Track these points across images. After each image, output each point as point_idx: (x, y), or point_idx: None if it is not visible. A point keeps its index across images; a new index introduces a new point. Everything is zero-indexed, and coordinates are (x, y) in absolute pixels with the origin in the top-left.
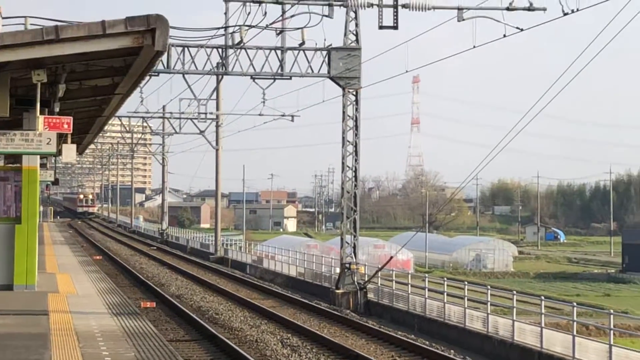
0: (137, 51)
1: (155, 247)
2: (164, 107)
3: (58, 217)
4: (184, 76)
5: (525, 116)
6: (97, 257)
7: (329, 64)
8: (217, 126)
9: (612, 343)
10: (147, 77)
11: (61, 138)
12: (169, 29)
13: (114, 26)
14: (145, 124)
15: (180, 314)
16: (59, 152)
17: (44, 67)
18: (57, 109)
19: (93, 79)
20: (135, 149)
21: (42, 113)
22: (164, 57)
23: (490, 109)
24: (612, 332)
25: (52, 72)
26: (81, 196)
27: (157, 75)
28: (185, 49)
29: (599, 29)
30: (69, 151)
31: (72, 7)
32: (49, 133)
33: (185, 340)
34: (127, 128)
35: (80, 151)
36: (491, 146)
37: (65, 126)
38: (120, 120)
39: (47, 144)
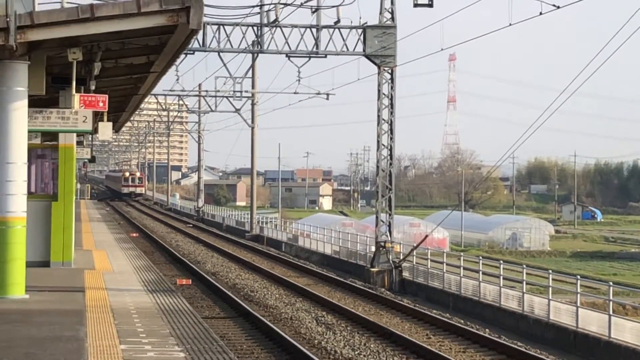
0: (172, 29)
1: (191, 225)
2: (199, 85)
3: (97, 199)
4: (219, 54)
5: (562, 94)
6: (134, 235)
7: (364, 42)
8: (253, 104)
9: None
10: (183, 56)
11: (97, 116)
12: (203, 7)
13: (148, 4)
14: (181, 102)
15: (216, 292)
16: (95, 130)
17: (79, 45)
18: (92, 87)
19: (128, 57)
20: (171, 127)
21: (77, 91)
22: (199, 36)
23: (526, 87)
24: None
25: (87, 50)
26: (127, 173)
27: (193, 54)
28: (221, 27)
29: (635, 7)
30: (105, 129)
31: None
32: (84, 111)
33: (220, 317)
34: (163, 106)
35: (116, 129)
36: (527, 124)
37: (101, 104)
38: (157, 98)
39: (83, 122)
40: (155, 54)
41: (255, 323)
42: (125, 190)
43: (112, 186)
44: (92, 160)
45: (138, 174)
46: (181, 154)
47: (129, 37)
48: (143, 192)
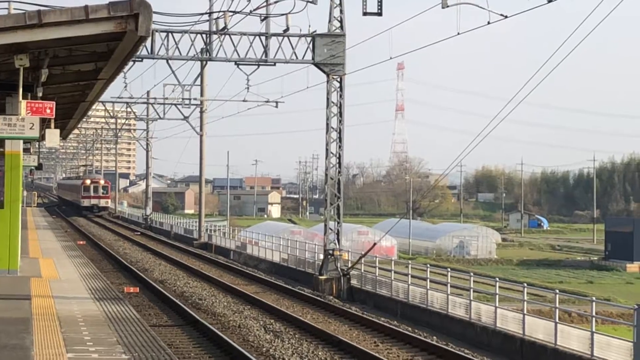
0: (120, 36)
1: (139, 233)
2: (148, 92)
3: (44, 207)
4: (167, 62)
5: (509, 103)
6: (81, 242)
7: (313, 50)
8: (201, 112)
9: (594, 330)
10: (131, 63)
11: (44, 123)
12: (152, 14)
13: (96, 11)
14: (129, 110)
15: (164, 299)
16: (42, 137)
17: (26, 51)
18: (40, 94)
19: (76, 63)
20: (119, 134)
21: (24, 98)
22: (148, 43)
23: (474, 96)
24: (594, 319)
25: (34, 56)
26: (87, 181)
27: (141, 61)
28: (169, 34)
29: (583, 16)
30: (52, 136)
31: None
32: (31, 118)
33: (168, 325)
34: (111, 113)
35: (63, 136)
36: (475, 133)
37: (48, 111)
38: (104, 105)
39: (30, 128)
40: (103, 61)
41: (203, 331)
42: (86, 202)
43: (68, 197)
44: (39, 167)
45: (102, 182)
46: (129, 162)
47: (77, 44)
48: (108, 204)
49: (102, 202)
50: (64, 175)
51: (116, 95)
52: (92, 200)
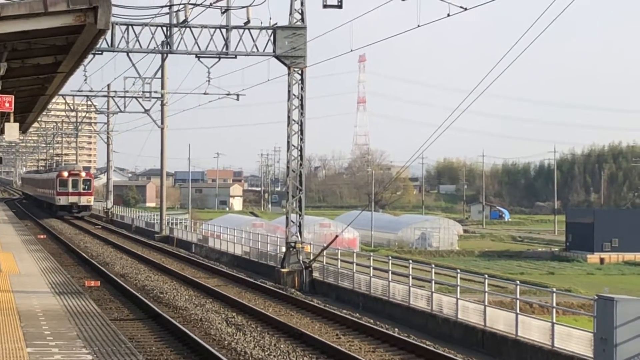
0: (80, 29)
1: (100, 226)
2: (108, 85)
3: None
4: (128, 55)
5: (470, 95)
6: (41, 236)
7: (274, 43)
8: (162, 105)
9: (554, 321)
10: (91, 56)
11: (3, 117)
12: (111, 7)
13: (55, 4)
14: (89, 103)
15: (125, 293)
16: (1, 131)
17: None
18: None
19: (35, 57)
20: (79, 127)
21: None
22: (108, 36)
23: (436, 88)
24: (554, 310)
25: None
26: (65, 173)
27: (101, 54)
28: (129, 27)
29: (542, 9)
30: (12, 130)
31: None
32: None
33: (128, 319)
34: (72, 107)
35: (23, 130)
36: (437, 125)
37: (7, 105)
38: (64, 98)
39: None
40: (62, 54)
41: (164, 325)
42: (63, 200)
43: (37, 193)
44: None
45: (84, 175)
46: (90, 155)
47: (36, 37)
48: (91, 203)
49: (84, 200)
50: (27, 168)
51: (76, 88)
52: (71, 198)
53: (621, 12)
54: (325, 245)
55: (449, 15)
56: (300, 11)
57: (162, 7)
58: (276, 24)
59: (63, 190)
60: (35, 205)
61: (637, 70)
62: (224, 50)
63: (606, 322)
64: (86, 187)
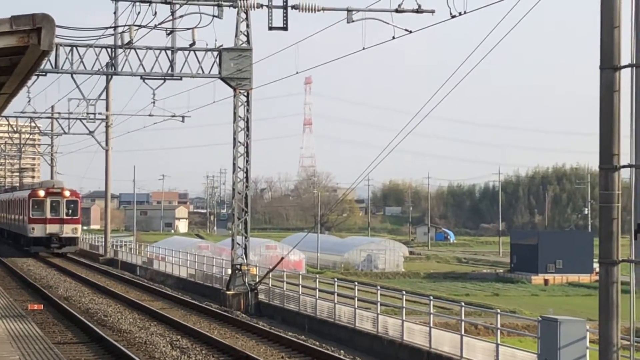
0: (23, 51)
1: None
2: (52, 107)
3: None
4: (72, 76)
5: (415, 117)
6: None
7: (220, 65)
8: (107, 126)
9: (499, 342)
10: (34, 77)
11: None
12: (55, 28)
13: None
14: (33, 124)
15: (69, 317)
16: None
17: None
18: None
19: None
20: (23, 149)
21: None
22: (52, 57)
23: (382, 110)
24: (499, 331)
25: None
26: (41, 193)
27: (45, 75)
28: (74, 48)
29: (487, 30)
30: None
31: None
32: None
33: (72, 342)
34: (15, 128)
35: None
36: (382, 147)
37: None
38: (8, 120)
39: None
40: (5, 75)
41: (108, 348)
42: (37, 230)
43: (1, 224)
44: None
45: (68, 194)
46: (33, 177)
47: None
48: (78, 234)
49: (68, 230)
50: None
51: (20, 109)
52: (50, 227)
53: (566, 36)
54: (271, 267)
55: (394, 37)
56: (246, 33)
57: (106, 28)
58: (222, 45)
59: (38, 217)
60: None
61: (581, 92)
62: (170, 71)
63: (550, 343)
64: (70, 211)
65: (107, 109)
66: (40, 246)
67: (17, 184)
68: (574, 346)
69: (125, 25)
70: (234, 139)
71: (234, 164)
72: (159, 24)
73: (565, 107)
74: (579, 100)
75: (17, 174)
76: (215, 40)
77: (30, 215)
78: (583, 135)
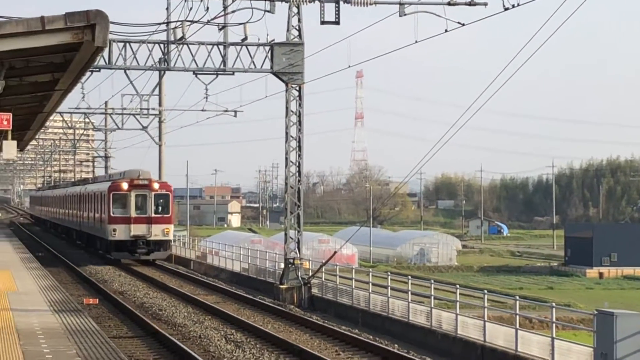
0: (77, 47)
1: None
2: (106, 102)
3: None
4: (125, 72)
5: (468, 110)
6: (40, 254)
7: (271, 60)
8: (160, 122)
9: (554, 336)
10: (88, 73)
11: (1, 135)
12: (109, 24)
13: (53, 22)
14: (87, 120)
15: (124, 311)
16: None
17: None
18: None
19: (33, 74)
20: (77, 145)
21: None
22: (105, 53)
23: (434, 104)
24: (554, 325)
25: None
26: (124, 185)
27: (99, 71)
28: (127, 44)
29: (541, 22)
30: (10, 148)
31: (12, 2)
32: None
33: (128, 337)
34: (69, 124)
35: (21, 148)
36: (434, 140)
37: (5, 123)
38: (62, 116)
39: None
40: (60, 72)
41: (163, 342)
42: (121, 232)
43: (67, 221)
44: None
45: (157, 186)
46: (88, 172)
47: (34, 55)
48: (170, 236)
49: (156, 231)
50: (24, 186)
51: (74, 106)
52: (135, 228)
53: (618, 30)
54: (324, 261)
55: (446, 30)
56: (297, 28)
57: (159, 24)
58: (273, 40)
59: (120, 215)
60: (58, 236)
61: (635, 84)
62: (222, 66)
63: (606, 337)
64: (160, 208)
65: (160, 104)
66: (124, 252)
67: (77, 178)
68: (630, 340)
69: (177, 21)
70: (286, 133)
71: (286, 158)
72: (212, 19)
73: (619, 99)
74: (633, 92)
75: (71, 169)
76: (267, 35)
77: (111, 214)
78: (638, 127)
